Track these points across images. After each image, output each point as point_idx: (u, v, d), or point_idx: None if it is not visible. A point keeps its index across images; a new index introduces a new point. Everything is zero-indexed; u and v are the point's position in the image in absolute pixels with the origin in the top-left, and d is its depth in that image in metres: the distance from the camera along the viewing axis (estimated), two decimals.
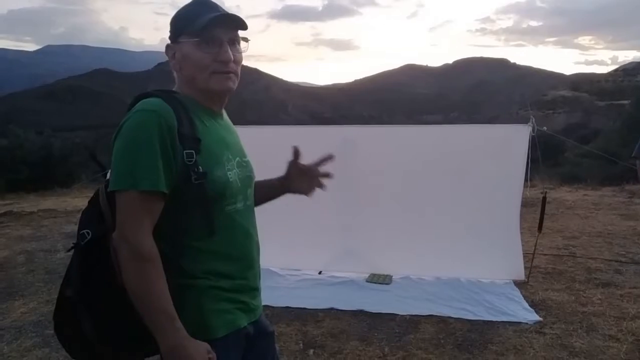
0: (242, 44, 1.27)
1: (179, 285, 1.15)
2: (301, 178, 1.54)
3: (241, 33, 1.26)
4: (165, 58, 1.29)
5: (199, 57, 1.19)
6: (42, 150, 12.14)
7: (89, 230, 1.15)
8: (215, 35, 1.20)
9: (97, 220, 1.17)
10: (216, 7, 1.23)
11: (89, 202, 1.22)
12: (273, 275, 4.18)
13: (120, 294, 1.11)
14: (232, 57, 1.22)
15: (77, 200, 8.56)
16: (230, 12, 1.23)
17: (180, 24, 1.22)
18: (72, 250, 1.18)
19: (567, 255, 4.82)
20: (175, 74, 1.27)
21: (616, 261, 4.62)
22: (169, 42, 1.26)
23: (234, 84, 1.26)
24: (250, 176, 1.35)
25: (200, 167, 1.14)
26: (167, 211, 1.14)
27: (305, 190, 1.57)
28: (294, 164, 1.52)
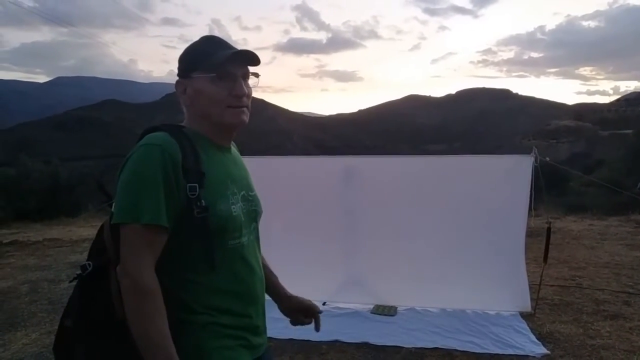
0: (252, 78, 1.30)
1: (179, 320, 1.15)
2: (299, 313, 1.56)
3: (251, 68, 1.29)
4: (173, 89, 1.31)
5: (214, 92, 1.22)
6: (50, 180, 12.22)
7: (90, 262, 1.17)
8: (230, 71, 1.23)
9: (99, 252, 1.18)
10: (227, 44, 1.27)
11: (97, 233, 1.24)
12: (276, 307, 4.14)
13: (117, 327, 1.11)
14: (246, 91, 1.25)
15: (83, 230, 8.58)
16: (237, 45, 1.28)
17: (193, 61, 1.25)
18: (75, 281, 1.19)
19: (574, 287, 4.76)
20: (184, 109, 1.29)
21: (624, 292, 4.55)
22: (177, 78, 1.28)
23: (247, 117, 1.28)
24: (256, 210, 1.35)
25: (202, 200, 1.15)
26: (169, 244, 1.14)
27: (294, 321, 1.58)
28: (304, 309, 1.55)
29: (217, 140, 1.28)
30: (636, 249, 6.25)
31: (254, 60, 1.27)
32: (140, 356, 1.08)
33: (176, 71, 1.30)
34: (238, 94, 1.24)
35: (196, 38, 1.32)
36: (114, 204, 1.14)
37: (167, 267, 1.14)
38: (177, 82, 1.28)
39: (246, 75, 1.28)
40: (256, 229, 1.37)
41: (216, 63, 1.21)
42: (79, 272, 1.18)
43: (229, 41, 1.30)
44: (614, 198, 10.07)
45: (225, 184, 1.24)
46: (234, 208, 1.22)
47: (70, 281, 1.21)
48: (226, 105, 1.23)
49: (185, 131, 1.22)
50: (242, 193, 1.29)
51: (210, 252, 1.17)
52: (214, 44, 1.27)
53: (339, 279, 4.29)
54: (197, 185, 1.15)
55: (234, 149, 1.40)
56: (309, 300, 1.55)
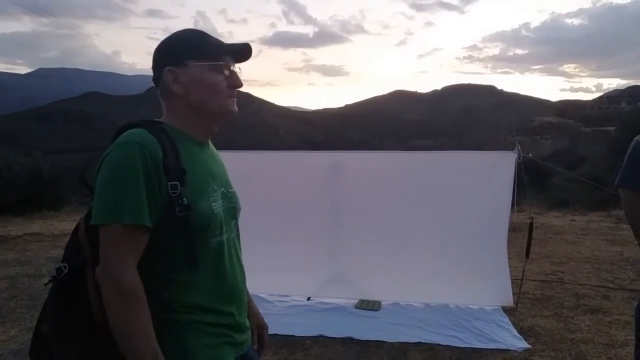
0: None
1: (162, 320, 1.12)
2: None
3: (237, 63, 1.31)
4: None
5: (216, 81, 1.22)
6: (31, 173, 11.96)
7: (65, 264, 1.12)
8: (228, 62, 1.25)
9: (75, 254, 1.14)
10: (215, 37, 1.28)
11: (72, 232, 1.19)
12: (261, 302, 4.13)
13: (96, 331, 1.08)
14: (242, 83, 1.28)
15: (64, 224, 8.44)
16: (223, 38, 1.28)
17: (189, 48, 1.22)
18: (51, 284, 1.15)
19: (555, 281, 4.84)
20: (163, 101, 1.25)
21: (604, 287, 4.64)
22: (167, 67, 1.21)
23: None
24: (235, 207, 1.34)
25: (184, 199, 1.12)
26: (150, 243, 1.11)
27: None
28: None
29: (196, 135, 1.26)
30: (616, 244, 6.37)
31: (248, 55, 1.30)
32: (122, 358, 1.05)
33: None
34: (237, 85, 1.27)
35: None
36: (93, 204, 1.10)
37: (148, 267, 1.11)
38: (168, 69, 1.21)
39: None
40: (236, 226, 1.35)
41: (219, 52, 1.23)
42: (54, 274, 1.13)
43: (214, 34, 1.30)
44: (596, 194, 10.26)
45: (205, 181, 1.21)
46: (214, 205, 1.20)
47: (46, 284, 1.17)
48: (226, 95, 1.25)
49: (163, 127, 1.19)
50: (221, 190, 1.27)
51: (192, 251, 1.15)
52: (206, 35, 1.28)
53: (323, 274, 4.29)
54: (178, 183, 1.12)
55: (211, 144, 1.38)
56: (258, 319, 1.52)
